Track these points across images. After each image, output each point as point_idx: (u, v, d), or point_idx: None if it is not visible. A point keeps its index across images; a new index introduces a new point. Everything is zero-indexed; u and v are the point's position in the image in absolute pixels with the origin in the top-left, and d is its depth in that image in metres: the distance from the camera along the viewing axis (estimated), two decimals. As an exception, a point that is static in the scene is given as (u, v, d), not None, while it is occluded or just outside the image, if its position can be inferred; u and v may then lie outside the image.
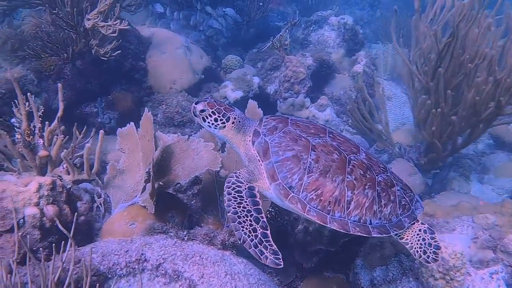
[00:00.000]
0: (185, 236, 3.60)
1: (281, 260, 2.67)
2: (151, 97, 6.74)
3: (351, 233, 2.79)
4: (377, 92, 6.47)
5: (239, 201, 2.86)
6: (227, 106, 3.14)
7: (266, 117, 3.15)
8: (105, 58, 5.59)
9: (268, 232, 2.75)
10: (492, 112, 4.37)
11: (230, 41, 9.25)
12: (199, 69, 7.54)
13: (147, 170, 3.79)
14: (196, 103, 3.12)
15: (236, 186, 2.93)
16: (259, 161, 2.97)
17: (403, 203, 2.99)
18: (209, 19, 8.37)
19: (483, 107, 4.31)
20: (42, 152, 3.93)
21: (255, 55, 8.85)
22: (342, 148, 2.95)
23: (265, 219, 2.80)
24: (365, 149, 3.11)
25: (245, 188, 2.92)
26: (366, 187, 2.87)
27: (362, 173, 2.90)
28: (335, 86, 7.35)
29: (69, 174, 4.00)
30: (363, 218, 2.84)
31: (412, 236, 2.99)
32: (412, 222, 2.99)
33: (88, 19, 5.28)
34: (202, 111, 3.07)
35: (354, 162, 2.92)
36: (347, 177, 2.84)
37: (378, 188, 2.90)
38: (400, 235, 3.00)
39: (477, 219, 4.65)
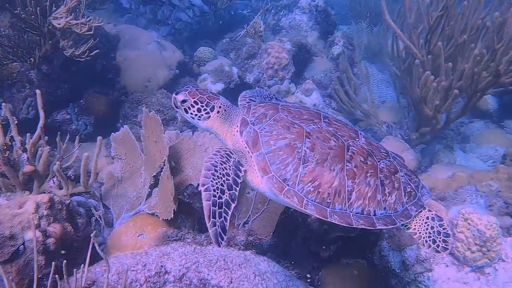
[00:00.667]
0: (204, 241, 3.35)
1: (224, 241, 2.34)
2: (128, 97, 6.33)
3: (354, 226, 2.57)
4: (361, 71, 6.41)
5: (224, 160, 2.58)
6: (211, 94, 2.84)
7: (254, 104, 2.90)
8: (82, 59, 5.13)
9: (232, 206, 2.45)
10: (489, 82, 4.40)
11: (197, 33, 8.90)
12: (173, 64, 7.17)
13: (154, 174, 3.49)
14: (176, 94, 2.81)
15: (228, 152, 2.66)
16: (249, 152, 2.69)
17: (408, 190, 2.78)
18: (177, 11, 7.98)
19: (481, 78, 4.33)
20: (27, 168, 3.54)
21: (226, 45, 8.54)
22: (339, 133, 2.71)
23: (237, 193, 2.50)
24: (364, 133, 2.92)
25: (234, 158, 2.65)
26: (368, 175, 2.64)
27: (363, 159, 2.67)
28: (314, 69, 7.22)
29: (61, 188, 3.64)
30: (366, 209, 2.62)
31: (419, 225, 2.78)
32: (419, 210, 2.78)
33: (56, 18, 4.80)
34: (184, 101, 2.77)
35: (353, 148, 2.68)
36: (347, 165, 2.61)
37: (381, 175, 2.68)
38: (406, 225, 2.79)
39: (481, 187, 4.71)
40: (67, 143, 4.04)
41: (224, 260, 3.17)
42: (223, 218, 2.38)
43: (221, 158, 2.60)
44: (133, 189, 3.69)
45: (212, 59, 7.76)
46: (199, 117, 2.80)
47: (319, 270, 4.26)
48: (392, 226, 2.67)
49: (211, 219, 2.33)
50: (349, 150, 2.65)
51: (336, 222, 2.54)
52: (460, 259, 3.12)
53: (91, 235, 2.72)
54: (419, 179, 2.92)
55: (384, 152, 2.84)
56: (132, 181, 3.72)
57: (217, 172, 2.51)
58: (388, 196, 2.68)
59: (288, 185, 2.57)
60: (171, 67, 7.08)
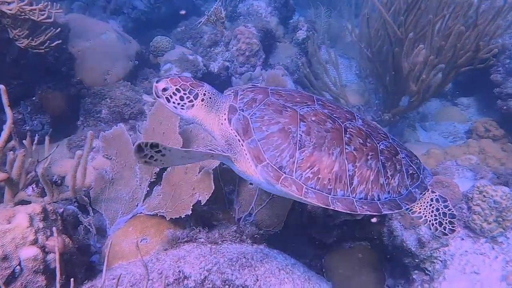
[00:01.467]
0: (218, 239, 3.11)
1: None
2: (89, 91, 5.75)
3: (359, 212, 2.41)
4: (329, 56, 6.41)
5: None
6: (194, 82, 2.63)
7: (242, 89, 2.71)
8: (41, 51, 4.54)
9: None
10: (469, 57, 4.57)
11: (149, 22, 8.38)
12: (131, 55, 6.65)
13: (157, 170, 3.15)
14: (157, 82, 2.59)
15: (214, 147, 2.47)
16: (239, 141, 2.48)
17: (410, 172, 2.66)
18: (133, 0, 7.43)
19: (461, 53, 4.48)
20: (1, 175, 3.05)
21: (181, 34, 8.15)
22: (335, 115, 2.55)
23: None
24: (360, 114, 2.78)
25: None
26: (369, 157, 2.49)
27: (362, 142, 2.52)
28: (279, 55, 7.09)
29: (42, 196, 3.18)
30: (370, 194, 2.47)
31: (424, 208, 2.68)
32: (424, 193, 2.67)
33: (5, 2, 4.17)
34: (165, 90, 2.54)
35: (351, 130, 2.53)
36: (346, 148, 2.45)
37: (381, 157, 2.54)
38: (411, 209, 2.68)
39: (462, 162, 4.90)
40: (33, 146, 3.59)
41: (245, 257, 2.96)
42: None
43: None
44: (128, 190, 3.33)
45: (171, 49, 7.35)
46: (182, 106, 2.58)
47: (321, 257, 4.19)
48: (398, 211, 2.56)
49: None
50: (347, 132, 2.50)
51: (340, 210, 2.39)
52: (476, 231, 3.19)
53: (104, 246, 2.39)
54: (419, 161, 2.82)
55: (382, 134, 2.72)
56: (125, 182, 3.35)
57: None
58: (391, 179, 2.55)
59: (285, 172, 2.38)
60: (130, 58, 6.56)
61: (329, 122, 2.49)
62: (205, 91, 2.60)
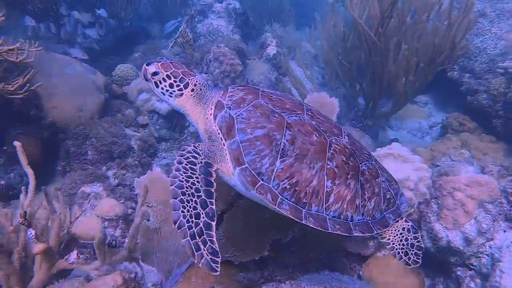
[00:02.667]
0: (292, 273, 2.98)
1: (219, 265, 2.05)
2: (67, 134, 5.21)
3: (329, 231, 2.36)
4: (303, 68, 6.53)
5: (190, 174, 2.25)
6: (186, 70, 2.57)
7: (232, 87, 2.63)
8: (20, 95, 4.02)
9: (213, 224, 2.15)
10: (446, 55, 4.94)
11: (100, 51, 7.87)
12: (100, 87, 6.20)
13: (219, 212, 2.94)
14: (147, 64, 2.53)
15: (191, 156, 2.33)
16: (222, 139, 2.42)
17: (388, 196, 2.62)
18: (85, 28, 6.90)
19: (440, 52, 4.84)
20: (38, 247, 2.67)
21: (140, 59, 7.80)
22: (322, 128, 2.49)
23: (214, 207, 2.21)
24: (348, 131, 2.78)
25: (201, 162, 2.34)
26: (349, 176, 2.45)
27: (345, 159, 2.47)
28: (252, 72, 7.04)
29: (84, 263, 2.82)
30: (344, 214, 2.43)
31: (394, 236, 2.68)
32: (397, 219, 2.65)
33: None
34: (155, 74, 2.49)
35: (336, 146, 2.48)
36: (328, 164, 2.39)
37: (361, 178, 2.50)
38: (381, 234, 2.67)
39: (455, 157, 5.27)
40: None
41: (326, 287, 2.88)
42: (209, 243, 2.08)
43: (185, 172, 2.25)
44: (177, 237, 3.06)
45: (136, 77, 6.97)
46: (171, 93, 2.52)
47: (357, 269, 4.22)
48: (369, 234, 2.53)
49: (196, 253, 2.03)
50: (331, 148, 2.45)
51: (311, 225, 2.34)
52: (517, 222, 3.44)
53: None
54: (398, 186, 2.79)
55: (366, 154, 2.68)
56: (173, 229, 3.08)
57: (186, 194, 2.17)
58: (367, 201, 2.52)
59: (262, 179, 2.32)
60: (100, 91, 6.11)
61: (315, 134, 2.44)
62: (196, 81, 2.55)
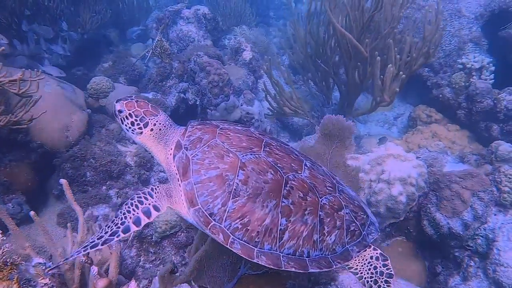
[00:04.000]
0: (333, 273, 3.27)
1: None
2: (62, 156, 5.06)
3: (283, 269, 2.39)
4: (282, 72, 6.79)
5: (131, 210, 2.43)
6: (149, 109, 2.66)
7: (192, 125, 2.67)
8: (24, 126, 3.88)
9: (121, 235, 2.33)
10: (421, 63, 5.45)
11: (67, 65, 7.57)
12: (82, 104, 6.03)
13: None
14: (116, 101, 2.68)
15: (143, 197, 2.48)
16: (178, 180, 2.50)
17: (352, 228, 2.61)
18: (50, 44, 6.60)
19: (414, 60, 5.35)
20: (103, 281, 2.74)
21: (111, 69, 7.63)
22: (279, 165, 2.51)
23: (116, 240, 2.33)
24: (311, 162, 2.76)
25: (149, 204, 2.46)
26: (306, 212, 2.45)
27: (302, 195, 2.47)
28: (230, 78, 7.19)
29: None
30: (299, 250, 2.43)
31: (362, 265, 2.70)
32: (362, 250, 2.63)
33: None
34: (120, 111, 2.63)
35: (293, 182, 2.48)
36: (282, 202, 2.41)
37: (321, 213, 2.49)
38: (348, 264, 2.70)
39: (432, 148, 5.84)
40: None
41: None
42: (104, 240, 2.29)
43: (127, 208, 2.43)
44: (226, 253, 3.23)
45: (112, 89, 6.84)
46: (132, 131, 2.65)
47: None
48: (327, 270, 2.51)
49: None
50: (288, 185, 2.46)
51: (263, 264, 2.38)
52: (507, 206, 3.98)
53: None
54: (367, 216, 2.76)
55: (329, 186, 2.65)
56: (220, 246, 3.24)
57: (113, 222, 2.40)
58: (327, 236, 2.51)
59: (214, 220, 2.38)
60: (82, 108, 5.94)
61: (270, 172, 2.45)
62: (156, 121, 2.64)
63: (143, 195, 2.48)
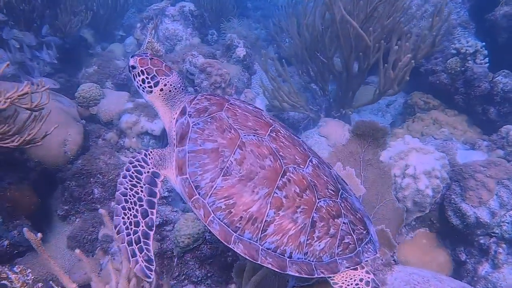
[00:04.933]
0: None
1: (153, 273, 2.14)
2: (66, 173, 4.73)
3: (259, 263, 2.24)
4: (278, 68, 6.65)
5: (134, 183, 2.34)
6: (162, 68, 2.60)
7: (202, 94, 2.63)
8: (39, 143, 3.60)
9: (151, 233, 2.25)
10: (428, 52, 5.46)
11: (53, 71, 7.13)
12: (75, 115, 5.68)
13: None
14: (132, 56, 2.64)
15: (139, 164, 2.41)
16: (174, 145, 2.46)
17: (346, 241, 2.36)
18: (36, 51, 6.16)
19: (420, 50, 5.39)
20: None
21: (96, 74, 7.26)
22: (281, 153, 2.35)
23: (154, 217, 2.30)
24: (319, 161, 2.54)
25: (147, 172, 2.40)
26: (298, 210, 2.27)
27: (298, 191, 2.30)
28: (223, 76, 6.98)
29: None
30: (281, 248, 2.25)
31: (347, 285, 2.36)
32: (352, 267, 2.36)
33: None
34: (133, 67, 2.59)
35: (292, 175, 2.32)
36: (275, 193, 2.26)
37: (315, 215, 2.30)
38: (333, 278, 2.38)
39: (438, 135, 5.89)
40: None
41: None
42: (145, 251, 2.18)
43: (130, 180, 2.34)
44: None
45: (103, 96, 6.49)
46: (143, 88, 2.61)
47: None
48: (307, 276, 2.29)
49: (132, 259, 2.15)
50: (285, 176, 2.30)
51: (239, 252, 2.25)
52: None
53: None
54: (368, 233, 2.49)
55: (332, 190, 2.43)
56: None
57: (128, 202, 2.28)
58: (316, 241, 2.29)
59: (199, 193, 2.30)
60: (76, 119, 5.60)
61: (269, 158, 2.32)
62: (167, 81, 2.59)
63: (138, 162, 2.41)
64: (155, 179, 2.39)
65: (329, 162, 3.56)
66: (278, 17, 7.87)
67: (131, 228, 2.20)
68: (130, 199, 2.27)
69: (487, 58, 6.43)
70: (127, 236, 2.17)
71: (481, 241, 4.28)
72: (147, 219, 2.25)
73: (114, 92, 6.64)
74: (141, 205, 2.27)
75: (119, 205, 2.25)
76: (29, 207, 4.52)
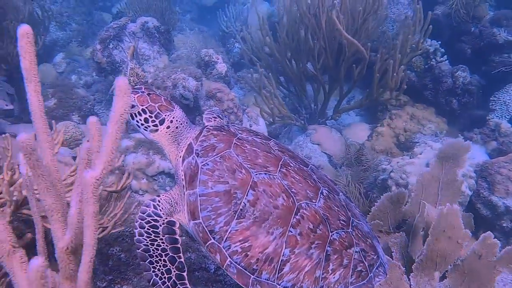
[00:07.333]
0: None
1: None
2: (108, 241, 4.08)
3: None
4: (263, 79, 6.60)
5: (153, 237, 2.31)
6: (164, 104, 2.49)
7: (208, 129, 2.53)
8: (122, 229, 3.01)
9: (185, 274, 2.29)
10: (412, 55, 5.96)
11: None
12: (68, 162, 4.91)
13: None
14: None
15: (152, 219, 2.33)
16: (184, 187, 2.38)
17: (359, 268, 2.41)
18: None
19: (406, 53, 5.89)
20: None
21: (60, 108, 6.35)
22: (293, 190, 2.35)
23: (182, 259, 2.31)
24: (328, 190, 2.54)
25: (163, 224, 2.34)
26: (313, 246, 2.29)
27: (312, 227, 2.31)
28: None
29: None
30: (298, 285, 2.26)
31: None
32: None
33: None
34: (132, 106, 2.40)
35: (305, 212, 2.32)
36: (290, 231, 2.26)
37: (329, 248, 2.32)
38: None
39: (425, 132, 6.49)
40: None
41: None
42: None
43: (148, 237, 2.30)
44: None
45: (83, 135, 5.75)
46: (146, 128, 2.48)
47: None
48: None
49: None
50: (298, 213, 2.30)
51: None
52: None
53: None
54: (378, 257, 2.54)
55: (343, 220, 2.46)
56: None
57: (153, 256, 2.28)
58: (330, 274, 2.32)
59: (214, 238, 2.27)
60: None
61: (282, 197, 2.30)
62: (173, 118, 2.50)
63: (150, 218, 2.32)
64: (172, 227, 2.34)
65: (416, 194, 3.72)
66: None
67: (165, 276, 2.24)
68: (154, 252, 2.27)
69: (446, 56, 7.24)
70: (163, 285, 2.22)
71: (504, 225, 4.91)
72: (176, 263, 2.27)
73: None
74: (167, 254, 2.28)
75: (145, 261, 2.25)
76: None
